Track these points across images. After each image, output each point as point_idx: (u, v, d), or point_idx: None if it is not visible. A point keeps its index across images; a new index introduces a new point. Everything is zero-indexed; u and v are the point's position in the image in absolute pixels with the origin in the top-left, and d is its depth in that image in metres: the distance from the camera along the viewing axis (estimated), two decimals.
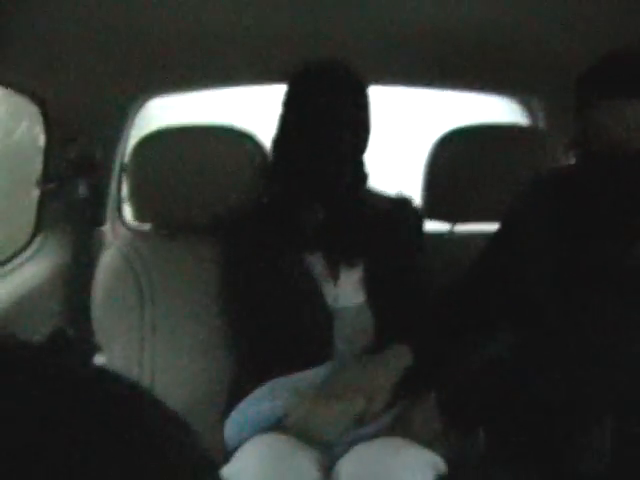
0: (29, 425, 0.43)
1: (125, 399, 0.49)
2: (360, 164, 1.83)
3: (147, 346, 1.90)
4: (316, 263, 1.78)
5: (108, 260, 1.96)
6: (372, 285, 1.78)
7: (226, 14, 1.79)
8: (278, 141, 1.82)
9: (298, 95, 1.77)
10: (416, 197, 2.08)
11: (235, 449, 1.58)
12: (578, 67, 1.62)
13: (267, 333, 1.74)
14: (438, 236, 2.13)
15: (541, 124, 2.59)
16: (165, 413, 0.51)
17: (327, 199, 1.79)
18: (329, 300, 1.76)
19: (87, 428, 0.44)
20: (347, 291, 1.78)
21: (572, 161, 1.95)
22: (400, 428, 1.57)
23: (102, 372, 0.50)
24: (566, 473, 1.53)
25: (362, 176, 1.84)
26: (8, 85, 1.98)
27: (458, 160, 2.09)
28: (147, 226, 2.09)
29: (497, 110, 2.88)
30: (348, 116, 1.74)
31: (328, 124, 1.71)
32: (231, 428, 1.65)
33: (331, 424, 1.58)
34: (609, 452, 1.50)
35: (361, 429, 1.59)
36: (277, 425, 1.59)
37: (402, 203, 1.90)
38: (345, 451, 1.53)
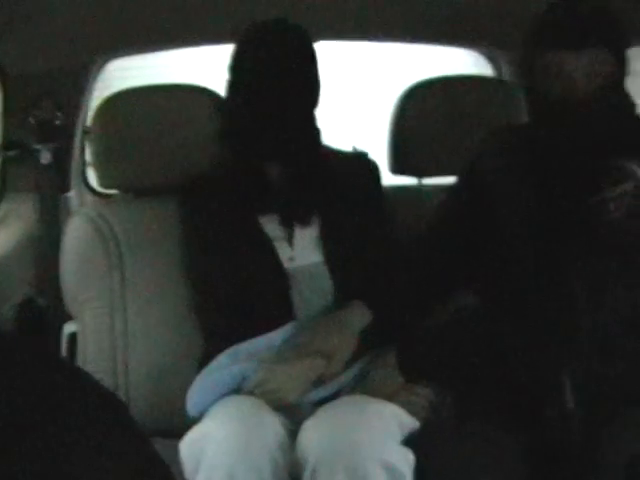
0: None
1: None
2: (312, 120, 1.80)
3: (117, 312, 1.89)
4: (270, 224, 1.77)
5: (74, 227, 1.94)
6: (328, 243, 1.77)
7: None
8: (229, 104, 1.80)
9: (245, 55, 1.75)
10: (382, 152, 2.08)
11: (197, 417, 1.59)
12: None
13: (225, 299, 1.73)
14: (405, 190, 2.12)
15: (506, 76, 2.59)
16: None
17: (279, 158, 1.77)
18: (284, 261, 1.75)
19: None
20: (303, 251, 1.77)
21: None
22: (361, 386, 1.58)
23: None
24: (533, 421, 1.55)
25: (315, 132, 1.82)
26: None
27: (424, 113, 2.08)
28: (113, 191, 2.07)
29: (462, 62, 2.87)
30: (295, 73, 1.72)
31: (276, 82, 1.70)
32: (192, 396, 1.64)
33: (291, 386, 1.58)
34: (571, 393, 1.52)
35: (321, 389, 1.60)
36: (236, 392, 1.59)
37: (358, 158, 1.88)
38: (309, 413, 1.53)
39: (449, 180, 2.10)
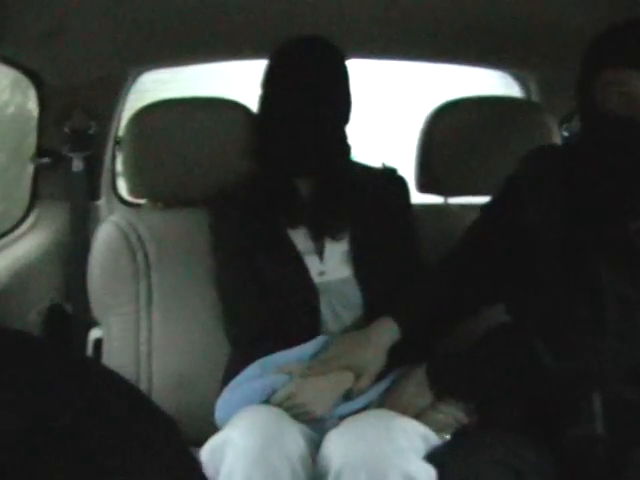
0: None
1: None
2: (343, 136, 1.82)
3: (143, 320, 1.91)
4: (301, 238, 1.78)
5: (103, 235, 1.96)
6: (358, 258, 1.78)
7: None
8: (261, 119, 1.82)
9: (278, 71, 1.77)
10: (410, 170, 2.09)
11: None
12: (573, 42, 1.62)
13: (254, 312, 1.74)
14: (432, 209, 2.13)
15: (535, 98, 2.59)
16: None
17: (311, 173, 1.79)
18: (314, 275, 1.76)
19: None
20: (333, 265, 1.78)
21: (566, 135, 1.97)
22: (389, 401, 1.58)
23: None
24: (559, 438, 1.55)
25: (345, 148, 1.83)
26: (2, 59, 1.98)
27: (452, 133, 2.09)
28: (142, 200, 2.10)
29: (492, 83, 2.88)
30: (328, 89, 1.74)
31: (308, 98, 1.71)
32: (221, 407, 1.65)
33: (319, 400, 1.59)
34: (601, 418, 1.52)
35: (349, 403, 1.60)
36: (266, 402, 1.59)
37: (387, 174, 1.90)
38: (334, 425, 1.54)
39: (475, 200, 2.11)
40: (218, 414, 1.65)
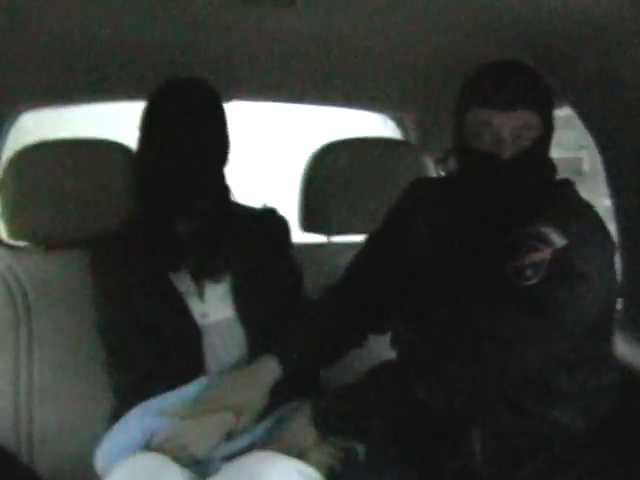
0: None
1: None
2: (221, 177, 1.83)
3: (23, 368, 1.86)
4: (182, 280, 1.77)
5: None
6: (240, 298, 1.78)
7: (94, 30, 1.77)
8: (139, 161, 1.82)
9: (155, 112, 1.77)
10: (293, 211, 2.12)
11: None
12: (446, 85, 1.69)
13: (136, 355, 1.72)
14: (315, 248, 2.17)
15: (413, 139, 2.68)
16: None
17: (188, 214, 1.78)
18: (197, 316, 1.76)
19: None
20: (215, 306, 1.78)
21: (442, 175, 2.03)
22: (274, 440, 1.58)
23: None
24: (442, 473, 1.58)
25: (224, 189, 1.84)
26: None
27: (333, 173, 2.14)
28: (22, 243, 2.05)
29: (372, 125, 2.96)
30: (204, 131, 1.74)
31: (184, 140, 1.72)
32: (101, 453, 1.61)
33: (201, 441, 1.57)
34: (480, 451, 1.57)
35: (232, 443, 1.59)
36: (147, 446, 1.57)
37: (267, 214, 1.92)
38: (217, 469, 1.52)
39: (358, 238, 2.16)
40: (98, 462, 1.61)
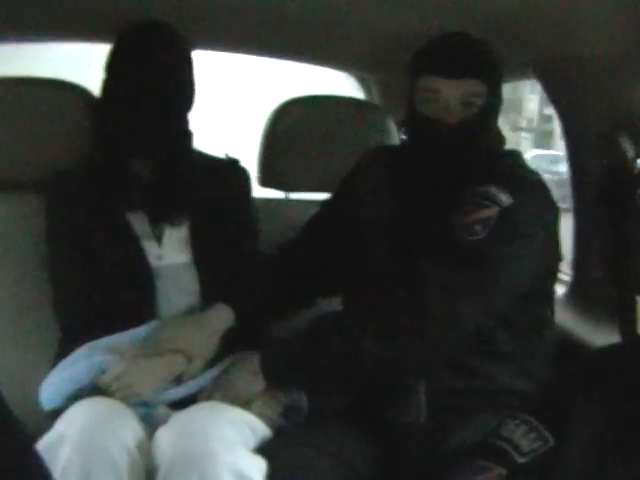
0: None
1: None
2: (185, 123, 1.82)
3: None
4: (139, 222, 1.77)
5: None
6: (197, 245, 1.78)
7: None
8: (102, 102, 1.80)
9: (121, 55, 1.76)
10: (253, 165, 2.11)
11: (52, 411, 1.56)
12: (410, 49, 1.69)
13: (89, 293, 1.71)
14: (272, 203, 2.16)
15: (376, 100, 2.68)
16: None
17: (151, 156, 1.77)
18: (152, 259, 1.75)
19: None
20: (171, 250, 1.78)
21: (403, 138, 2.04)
22: (220, 388, 1.58)
23: None
24: (388, 426, 1.60)
25: (187, 135, 1.83)
26: None
27: (294, 130, 2.13)
28: None
29: (336, 84, 2.95)
30: (170, 75, 1.74)
31: (149, 82, 1.71)
32: (47, 388, 1.60)
33: (148, 381, 1.57)
34: (424, 405, 1.59)
35: (179, 388, 1.59)
36: (94, 385, 1.56)
37: (229, 164, 1.91)
38: (166, 416, 1.53)
39: (315, 196, 2.16)
40: (44, 396, 1.60)
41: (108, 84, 1.78)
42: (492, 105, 1.65)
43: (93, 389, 1.57)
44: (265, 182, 2.16)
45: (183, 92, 1.79)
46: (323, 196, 1.99)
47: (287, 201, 2.21)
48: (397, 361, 1.54)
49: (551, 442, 1.10)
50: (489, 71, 1.64)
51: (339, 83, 2.94)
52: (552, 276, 1.73)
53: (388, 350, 1.51)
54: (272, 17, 2.03)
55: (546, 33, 1.71)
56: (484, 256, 1.53)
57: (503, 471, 1.10)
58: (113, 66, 1.77)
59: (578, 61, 1.72)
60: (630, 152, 1.74)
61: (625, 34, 1.58)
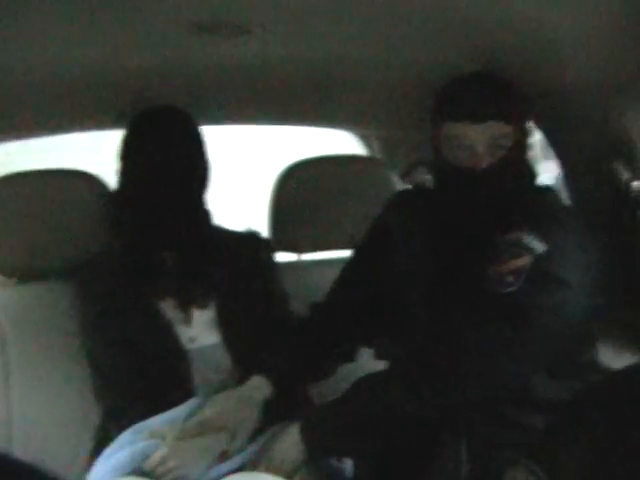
0: None
1: None
2: (202, 204, 1.84)
3: (0, 398, 1.86)
4: (169, 307, 1.79)
5: None
6: (225, 324, 1.80)
7: (65, 60, 1.78)
8: (120, 192, 1.81)
9: (133, 143, 1.78)
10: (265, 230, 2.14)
11: None
12: (411, 101, 1.71)
13: (127, 380, 1.73)
14: (286, 266, 2.19)
15: (377, 153, 2.72)
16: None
17: (173, 244, 1.79)
18: (184, 342, 1.77)
19: None
20: (203, 331, 1.79)
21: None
22: (264, 460, 1.57)
23: None
24: None
25: (206, 215, 1.85)
26: None
27: (301, 192, 2.16)
28: None
29: (338, 143, 3.00)
30: (184, 158, 1.75)
31: (165, 169, 1.73)
32: (94, 478, 1.60)
33: (194, 462, 1.56)
34: (467, 460, 1.57)
35: (224, 464, 1.58)
36: (139, 471, 1.56)
37: (250, 238, 1.93)
38: None
39: (327, 255, 2.19)
40: None
41: (124, 174, 1.80)
42: (520, 144, 1.61)
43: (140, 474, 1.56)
44: (277, 245, 2.19)
45: (199, 175, 1.80)
46: (335, 254, 2.01)
47: (300, 262, 2.23)
48: (439, 420, 1.52)
49: None
50: (512, 110, 1.59)
51: (341, 141, 2.99)
52: (593, 319, 1.62)
53: (429, 409, 1.49)
54: (269, 87, 2.07)
55: (535, 68, 1.73)
56: (519, 308, 1.47)
57: None
58: (126, 155, 1.80)
59: (569, 93, 1.73)
60: (626, 176, 1.73)
61: (613, 62, 1.58)
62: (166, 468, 1.54)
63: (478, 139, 1.56)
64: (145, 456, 1.56)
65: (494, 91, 1.59)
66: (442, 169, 1.63)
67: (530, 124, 1.67)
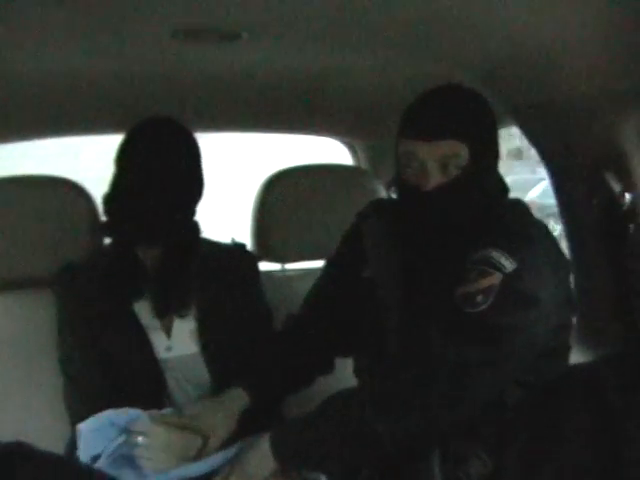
0: None
1: None
2: (191, 213, 1.83)
3: None
4: (146, 313, 1.77)
5: None
6: (204, 336, 1.79)
7: (62, 66, 1.77)
8: (111, 195, 1.80)
9: (130, 150, 1.78)
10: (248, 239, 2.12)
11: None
12: (395, 112, 1.71)
13: (101, 387, 1.72)
14: (269, 275, 2.17)
15: (363, 164, 2.70)
16: None
17: (154, 243, 1.78)
18: (161, 350, 1.76)
19: None
20: (181, 341, 1.78)
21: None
22: (234, 470, 1.55)
23: None
24: None
25: (193, 224, 1.84)
26: None
27: (285, 201, 2.15)
28: None
29: (324, 151, 2.99)
30: (178, 167, 1.75)
31: (159, 174, 1.72)
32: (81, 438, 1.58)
33: (163, 458, 1.57)
34: (439, 476, 1.55)
35: (195, 465, 1.58)
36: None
37: (235, 251, 1.92)
38: None
39: (311, 265, 2.17)
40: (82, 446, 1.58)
41: (118, 178, 1.79)
42: (478, 164, 1.54)
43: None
44: (260, 255, 2.16)
45: (191, 185, 1.80)
46: (319, 264, 1.99)
47: (284, 272, 2.21)
48: (408, 438, 1.50)
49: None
50: (469, 129, 1.54)
51: (326, 149, 2.98)
52: (566, 333, 1.63)
53: (399, 429, 1.47)
54: (257, 95, 2.06)
55: (525, 80, 1.72)
56: (488, 328, 1.45)
57: None
58: (122, 161, 1.79)
59: (559, 105, 1.73)
60: (617, 188, 1.72)
61: (602, 74, 1.58)
62: (148, 443, 1.56)
63: (428, 157, 1.52)
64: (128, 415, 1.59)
65: (452, 108, 1.54)
66: (397, 187, 1.62)
67: (500, 139, 1.63)
